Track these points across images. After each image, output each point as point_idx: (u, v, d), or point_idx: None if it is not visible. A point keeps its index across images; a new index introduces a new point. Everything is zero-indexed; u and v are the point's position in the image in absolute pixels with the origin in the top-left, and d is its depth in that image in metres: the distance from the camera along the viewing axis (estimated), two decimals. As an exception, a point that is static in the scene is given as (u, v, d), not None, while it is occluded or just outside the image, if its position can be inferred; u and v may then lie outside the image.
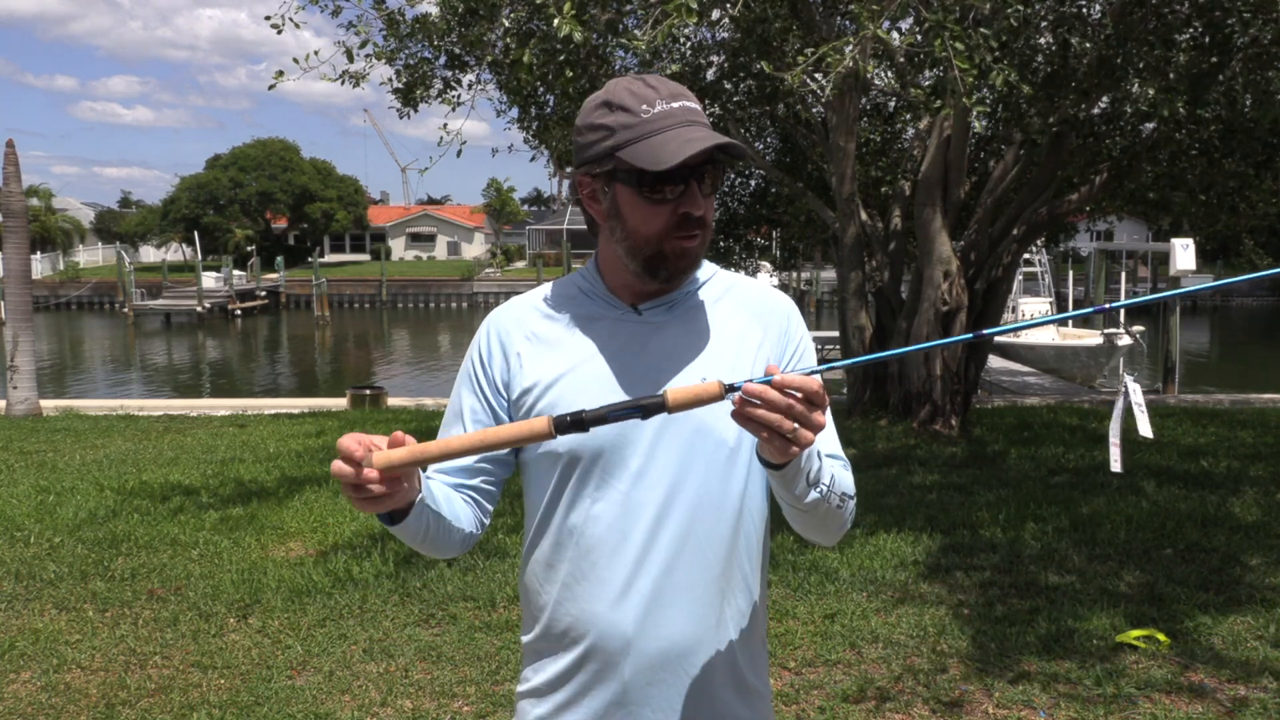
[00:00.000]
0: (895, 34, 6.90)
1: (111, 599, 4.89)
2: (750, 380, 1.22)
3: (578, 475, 1.48)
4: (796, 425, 1.23)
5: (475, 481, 1.55)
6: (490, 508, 1.59)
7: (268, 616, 4.62)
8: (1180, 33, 7.26)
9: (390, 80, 9.05)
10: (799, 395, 1.22)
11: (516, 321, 1.56)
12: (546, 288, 1.61)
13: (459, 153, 8.75)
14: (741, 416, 1.24)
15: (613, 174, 1.44)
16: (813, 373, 1.26)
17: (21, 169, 12.65)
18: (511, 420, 1.53)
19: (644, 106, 1.41)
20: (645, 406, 1.22)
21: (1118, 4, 7.39)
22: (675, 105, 1.42)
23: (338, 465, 1.26)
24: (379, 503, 1.31)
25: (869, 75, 6.33)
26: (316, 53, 7.57)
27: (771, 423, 1.23)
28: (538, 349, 1.52)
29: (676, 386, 1.23)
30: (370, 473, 1.25)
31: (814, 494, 1.40)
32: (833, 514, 1.46)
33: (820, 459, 1.41)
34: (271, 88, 7.64)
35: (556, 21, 6.00)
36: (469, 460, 1.54)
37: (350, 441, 1.26)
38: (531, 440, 1.27)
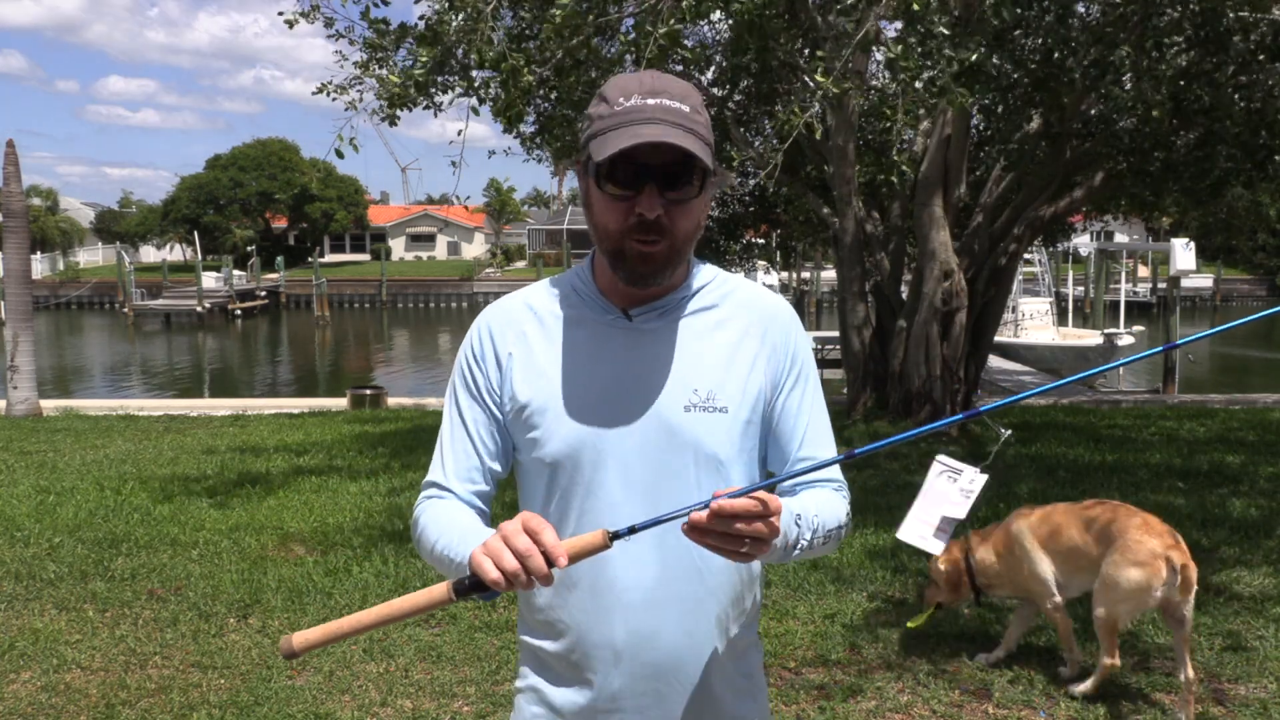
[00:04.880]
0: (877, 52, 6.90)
1: (111, 599, 4.89)
2: (693, 508, 1.21)
3: (563, 486, 1.47)
4: (745, 546, 1.23)
5: (488, 488, 1.54)
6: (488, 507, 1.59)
7: (268, 616, 4.62)
8: (1171, 37, 7.22)
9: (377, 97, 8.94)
10: (742, 519, 1.21)
11: (508, 321, 1.53)
12: (542, 285, 1.57)
13: (454, 163, 8.68)
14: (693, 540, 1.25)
15: (585, 163, 1.44)
16: (758, 488, 1.23)
17: (28, 170, 12.69)
18: (507, 424, 1.52)
19: (620, 98, 1.38)
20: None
21: (1113, 11, 7.37)
22: (651, 101, 1.36)
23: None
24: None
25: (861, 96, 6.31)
26: (348, 60, 7.65)
27: (721, 552, 1.24)
28: (527, 353, 1.50)
29: (569, 539, 1.26)
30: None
31: (795, 554, 1.41)
32: (817, 552, 1.46)
33: (797, 525, 1.39)
34: (316, 92, 7.69)
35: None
36: (480, 464, 1.51)
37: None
38: (432, 607, 1.27)
